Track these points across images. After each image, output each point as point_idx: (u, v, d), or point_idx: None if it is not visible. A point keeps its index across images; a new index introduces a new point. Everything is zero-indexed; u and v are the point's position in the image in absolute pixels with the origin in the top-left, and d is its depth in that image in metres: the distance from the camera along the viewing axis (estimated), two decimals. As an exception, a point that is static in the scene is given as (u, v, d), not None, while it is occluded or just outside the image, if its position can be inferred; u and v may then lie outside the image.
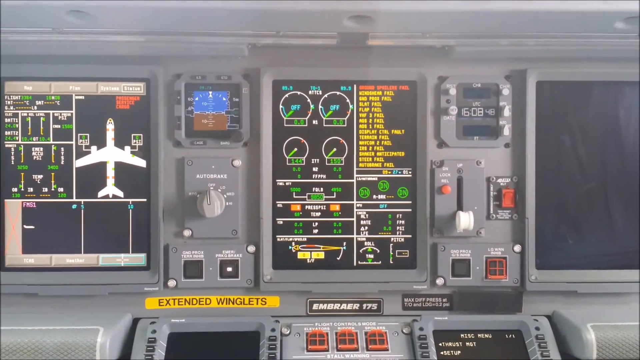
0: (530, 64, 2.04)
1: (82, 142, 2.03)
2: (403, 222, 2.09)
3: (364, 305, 2.09)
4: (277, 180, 2.08)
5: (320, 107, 2.07)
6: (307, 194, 2.08)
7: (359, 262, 2.09)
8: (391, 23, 1.74)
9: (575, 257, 2.09)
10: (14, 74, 2.02)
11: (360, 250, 2.09)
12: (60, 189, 2.03)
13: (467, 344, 2.00)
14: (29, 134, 2.02)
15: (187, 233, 2.04)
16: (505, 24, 1.72)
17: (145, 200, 2.04)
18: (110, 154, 2.04)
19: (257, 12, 1.62)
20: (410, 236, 2.09)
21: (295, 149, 2.08)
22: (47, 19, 1.69)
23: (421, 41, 1.91)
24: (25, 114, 2.02)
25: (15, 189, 2.02)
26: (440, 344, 1.99)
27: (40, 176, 2.02)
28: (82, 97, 2.03)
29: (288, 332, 2.00)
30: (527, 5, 1.59)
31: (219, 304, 2.07)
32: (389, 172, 2.09)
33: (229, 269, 2.05)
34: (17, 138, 2.02)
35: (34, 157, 2.02)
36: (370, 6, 1.59)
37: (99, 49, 1.93)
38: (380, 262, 2.09)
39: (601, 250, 2.10)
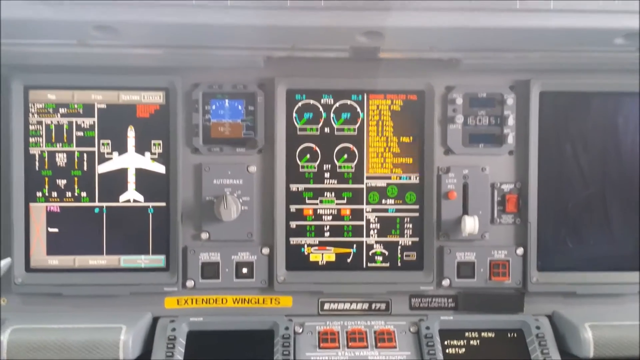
0: (534, 75, 2.12)
1: (104, 149, 2.11)
2: (411, 225, 2.18)
3: (373, 305, 2.18)
4: (291, 185, 2.16)
5: (332, 115, 2.16)
6: (319, 198, 2.17)
7: (369, 264, 2.18)
8: (401, 38, 1.83)
9: (575, 259, 2.19)
10: (38, 83, 2.09)
11: (370, 253, 2.18)
12: (84, 194, 2.11)
13: (472, 342, 2.10)
14: (53, 140, 2.10)
15: (204, 236, 2.13)
16: (509, 38, 1.81)
17: (164, 204, 2.13)
18: (131, 160, 2.12)
19: (273, 27, 1.70)
20: (417, 239, 2.18)
21: (308, 156, 2.16)
22: (74, 33, 1.77)
23: (429, 54, 1.99)
24: (49, 122, 2.10)
25: (39, 194, 2.11)
26: (445, 343, 2.08)
27: (64, 181, 2.11)
28: (104, 106, 2.11)
29: (301, 330, 2.10)
30: (531, 21, 1.67)
31: (234, 303, 2.17)
32: (398, 178, 2.17)
33: (245, 270, 2.14)
34: (41, 145, 2.10)
35: (58, 163, 2.10)
36: (381, 22, 1.67)
37: (120, 60, 2.01)
38: (388, 264, 2.18)
39: (599, 253, 2.19)
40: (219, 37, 1.81)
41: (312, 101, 2.15)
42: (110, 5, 1.60)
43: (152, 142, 2.13)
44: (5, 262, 1.83)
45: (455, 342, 2.09)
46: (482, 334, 2.12)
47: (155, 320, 2.13)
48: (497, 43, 1.85)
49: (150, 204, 2.13)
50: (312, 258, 2.18)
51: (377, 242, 2.18)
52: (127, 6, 1.61)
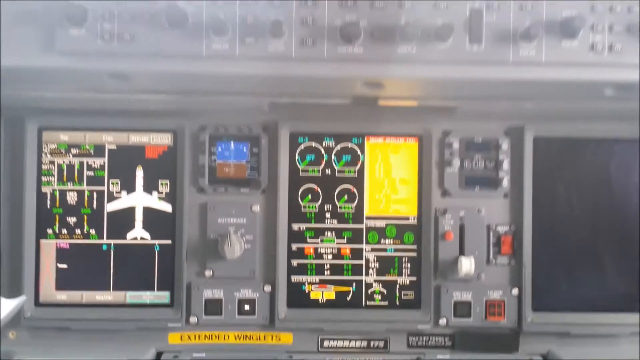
0: (528, 121, 2.20)
1: (113, 188, 2.19)
2: (409, 265, 2.24)
3: (372, 343, 2.24)
4: (293, 225, 2.23)
5: (333, 157, 2.24)
6: (320, 237, 2.24)
7: (368, 302, 2.24)
8: (400, 88, 1.92)
9: (569, 300, 2.24)
10: (52, 124, 2.18)
11: (369, 291, 2.24)
12: (92, 231, 2.18)
13: (468, 381, 2.15)
14: (64, 180, 2.18)
15: (208, 273, 2.19)
16: (503, 88, 1.89)
17: (170, 242, 2.20)
18: (139, 199, 2.20)
19: (278, 78, 1.79)
20: (415, 279, 2.24)
21: (310, 196, 2.24)
22: (89, 81, 1.86)
23: (427, 102, 2.08)
24: (61, 161, 2.18)
25: (50, 231, 2.18)
26: (442, 380, 2.14)
27: (74, 219, 2.18)
28: (114, 147, 2.19)
29: (301, 367, 2.15)
30: (523, 73, 1.75)
31: (236, 339, 2.22)
32: (396, 219, 2.24)
33: (247, 307, 2.20)
34: (53, 183, 2.18)
35: (69, 201, 2.18)
36: (382, 74, 1.76)
37: (131, 104, 2.09)
38: (387, 303, 2.24)
39: (593, 294, 2.24)
40: (226, 84, 1.90)
41: (314, 144, 2.24)
42: (125, 56, 1.69)
43: (160, 181, 2.21)
44: (21, 300, 1.90)
45: (451, 381, 2.14)
46: (478, 373, 2.17)
47: (159, 355, 2.19)
48: (491, 92, 1.93)
49: (157, 242, 2.20)
50: (312, 296, 2.24)
51: (376, 281, 2.24)
52: (141, 56, 1.70)
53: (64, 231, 2.19)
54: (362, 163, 2.24)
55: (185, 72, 1.74)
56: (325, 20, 1.71)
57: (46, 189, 2.18)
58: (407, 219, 2.24)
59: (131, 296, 2.20)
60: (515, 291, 2.22)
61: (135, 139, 2.20)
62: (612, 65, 1.73)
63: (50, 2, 1.68)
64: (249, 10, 1.70)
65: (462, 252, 2.21)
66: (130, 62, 1.71)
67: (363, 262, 2.24)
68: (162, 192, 2.21)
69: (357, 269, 2.24)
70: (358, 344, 2.24)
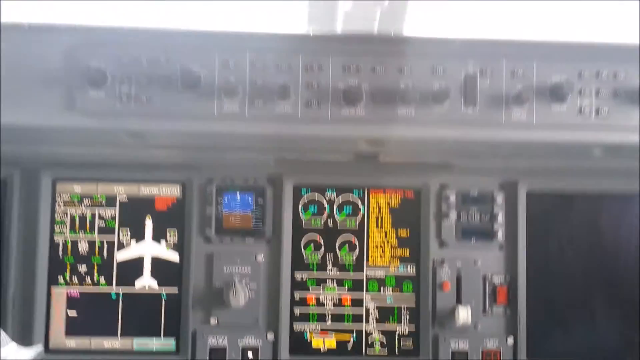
0: (521, 176, 2.30)
1: (123, 237, 2.27)
2: (408, 314, 2.31)
3: (372, 391, 2.30)
4: (295, 274, 2.31)
5: (335, 209, 2.33)
6: (321, 286, 2.32)
7: (367, 351, 2.30)
8: (400, 146, 2.03)
9: (563, 349, 2.30)
10: (65, 176, 2.28)
11: (369, 340, 2.31)
12: (102, 279, 2.26)
13: None
14: (76, 229, 2.27)
15: (213, 321, 2.26)
16: (497, 148, 2.00)
17: (176, 289, 2.27)
18: (148, 248, 2.28)
19: (285, 137, 1.90)
20: (414, 328, 2.31)
21: (312, 246, 2.32)
22: (106, 138, 1.97)
23: (425, 158, 2.18)
24: (74, 212, 2.27)
25: (61, 279, 2.26)
26: None
27: (85, 268, 2.26)
28: (125, 198, 2.29)
29: (302, 414, 2.21)
30: (515, 135, 1.86)
31: (240, 386, 2.28)
32: (396, 269, 2.32)
33: (250, 355, 2.26)
34: (65, 233, 2.26)
35: (80, 251, 2.26)
36: (382, 134, 1.87)
37: (142, 158, 2.19)
38: (386, 351, 2.30)
39: (587, 344, 2.31)
40: (235, 141, 2.00)
41: (316, 195, 2.33)
42: (141, 116, 1.80)
43: (168, 231, 2.29)
44: (38, 350, 1.95)
45: None
46: (476, 420, 2.22)
47: (164, 401, 2.24)
48: (486, 150, 2.04)
49: (164, 290, 2.27)
50: (314, 344, 2.30)
51: (375, 329, 2.31)
52: (157, 116, 1.81)
53: (75, 279, 2.26)
54: (363, 215, 2.34)
55: (197, 132, 1.84)
56: (330, 84, 1.82)
57: (58, 238, 2.26)
58: (406, 269, 2.32)
59: (138, 343, 2.26)
60: (510, 340, 2.28)
61: (146, 190, 2.29)
62: (600, 128, 1.84)
63: (72, 65, 1.79)
64: (259, 74, 1.81)
65: (459, 301, 2.28)
66: (146, 122, 1.82)
67: (363, 310, 2.31)
68: (170, 242, 2.29)
69: (357, 318, 2.31)
70: (358, 391, 2.30)
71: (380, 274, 2.32)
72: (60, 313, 2.25)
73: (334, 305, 2.31)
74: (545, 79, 1.82)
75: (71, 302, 2.26)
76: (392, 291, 2.32)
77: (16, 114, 1.78)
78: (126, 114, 1.80)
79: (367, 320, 2.31)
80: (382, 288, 2.32)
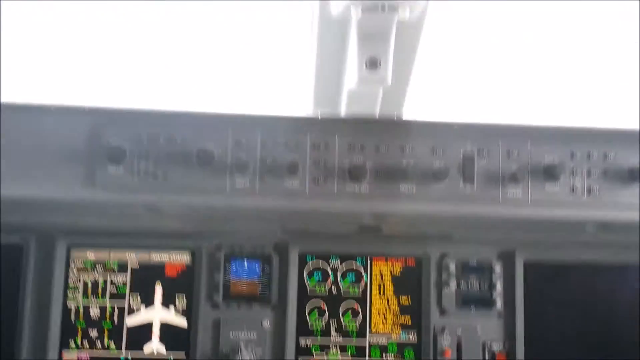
0: (518, 247, 2.38)
1: (133, 302, 2.35)
2: (409, 380, 2.38)
3: None
4: (300, 339, 2.37)
5: (338, 276, 2.41)
6: (325, 351, 2.37)
7: (370, 417, 2.36)
8: (402, 220, 2.13)
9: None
10: (80, 242, 2.36)
11: (371, 406, 2.36)
12: (112, 344, 2.32)
13: None
14: (89, 295, 2.34)
15: (219, 386, 2.32)
16: (495, 222, 2.10)
17: (184, 354, 2.33)
18: (157, 313, 2.35)
19: (292, 210, 2.00)
20: (415, 394, 2.37)
21: (316, 312, 2.39)
22: (122, 211, 2.07)
23: (425, 230, 2.28)
24: (87, 278, 2.35)
25: (72, 342, 2.32)
26: None
27: (95, 332, 2.32)
28: (137, 264, 2.37)
29: None
30: (512, 211, 1.97)
31: None
32: (397, 336, 2.38)
33: None
34: (77, 298, 2.34)
35: (91, 316, 2.33)
36: (386, 210, 1.98)
37: (154, 227, 2.29)
38: (388, 417, 2.36)
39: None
40: (244, 213, 2.10)
41: (321, 263, 2.41)
42: (158, 191, 1.91)
43: (177, 296, 2.36)
44: None
45: None
46: None
47: None
48: (484, 223, 2.14)
49: (172, 354, 2.33)
50: (317, 410, 2.35)
51: (378, 395, 2.37)
52: (172, 191, 1.92)
53: (86, 343, 2.32)
54: (366, 282, 2.41)
55: (210, 206, 1.95)
56: (336, 162, 1.94)
57: (71, 304, 2.33)
58: (408, 335, 2.39)
59: (145, 407, 2.31)
60: None
61: (157, 257, 2.37)
62: (591, 206, 1.94)
63: (94, 143, 1.91)
64: (269, 152, 1.93)
65: (459, 368, 2.35)
66: (162, 196, 1.92)
67: (366, 376, 2.37)
68: (178, 307, 2.36)
69: (360, 384, 2.37)
70: None
71: (382, 340, 2.38)
72: (70, 377, 2.31)
73: (338, 371, 2.38)
74: (539, 159, 1.94)
75: (81, 366, 2.32)
76: (394, 358, 2.38)
77: (39, 188, 1.89)
78: (143, 189, 1.91)
79: (370, 386, 2.37)
80: (384, 354, 2.38)
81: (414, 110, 2.08)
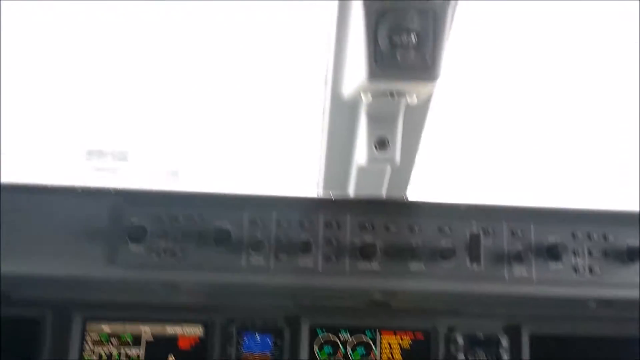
0: (524, 321, 2.43)
1: (145, 375, 2.39)
2: None
3: None
4: (311, 411, 2.41)
5: (349, 349, 2.45)
6: None
7: None
8: (411, 296, 2.20)
9: None
10: (95, 315, 2.42)
11: None
12: (124, 417, 2.36)
13: None
14: (103, 368, 2.39)
15: None
16: (500, 300, 2.17)
17: None
18: (169, 387, 2.39)
19: (305, 287, 2.07)
20: None
21: (327, 384, 2.43)
22: (142, 287, 2.14)
23: (433, 306, 2.34)
24: (101, 351, 2.40)
25: (84, 414, 2.36)
26: None
27: (108, 405, 2.36)
28: (151, 337, 2.42)
29: None
30: (517, 289, 2.05)
31: None
32: (408, 408, 2.42)
33: None
34: (92, 371, 2.38)
35: (105, 388, 2.38)
36: (395, 287, 2.06)
37: (168, 301, 2.35)
38: None
39: None
40: (258, 288, 2.17)
41: (331, 336, 2.46)
42: (176, 268, 1.99)
43: (189, 368, 2.41)
44: None
45: None
46: None
47: None
48: (491, 300, 2.21)
49: None
50: None
51: None
52: (190, 269, 2.00)
53: (98, 416, 2.35)
54: (376, 355, 2.46)
55: (226, 283, 2.02)
56: (348, 241, 2.03)
57: (85, 377, 2.38)
58: (417, 408, 2.42)
59: None
60: None
61: (170, 330, 2.42)
62: (593, 285, 2.02)
63: (115, 223, 2.00)
64: (283, 232, 2.02)
65: None
66: (180, 274, 2.00)
67: None
68: (191, 380, 2.40)
69: None
70: None
71: (392, 413, 2.42)
72: None
73: None
74: (542, 239, 2.03)
75: None
76: None
77: (63, 266, 1.97)
78: (163, 267, 1.99)
79: None
80: None
81: (417, 190, 2.18)
